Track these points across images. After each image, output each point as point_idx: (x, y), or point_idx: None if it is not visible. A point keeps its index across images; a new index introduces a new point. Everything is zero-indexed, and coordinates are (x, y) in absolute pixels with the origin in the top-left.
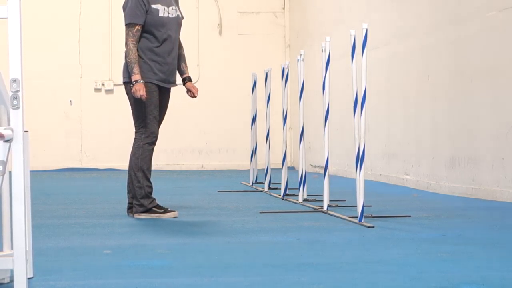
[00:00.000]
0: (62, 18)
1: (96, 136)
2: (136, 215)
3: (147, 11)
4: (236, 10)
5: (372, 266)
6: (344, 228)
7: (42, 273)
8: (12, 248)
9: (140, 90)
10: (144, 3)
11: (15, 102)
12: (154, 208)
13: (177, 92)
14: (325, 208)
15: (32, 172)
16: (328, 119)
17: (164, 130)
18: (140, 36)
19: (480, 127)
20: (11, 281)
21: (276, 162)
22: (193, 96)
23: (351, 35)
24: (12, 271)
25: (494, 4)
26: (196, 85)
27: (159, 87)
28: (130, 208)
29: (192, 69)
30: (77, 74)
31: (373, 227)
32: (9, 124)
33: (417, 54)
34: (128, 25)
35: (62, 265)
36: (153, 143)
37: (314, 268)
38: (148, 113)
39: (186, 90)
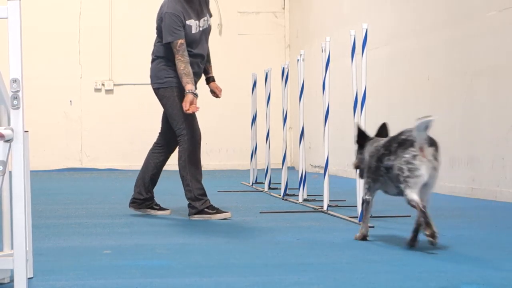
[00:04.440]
0: (62, 18)
1: (96, 136)
2: (190, 217)
3: (184, 26)
4: (236, 10)
5: (372, 266)
6: (344, 228)
7: (42, 273)
8: (12, 248)
9: (187, 102)
10: (180, 19)
11: (15, 102)
12: (206, 209)
13: None
14: (325, 208)
15: (32, 172)
16: (328, 119)
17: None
18: (172, 53)
19: (480, 127)
20: (11, 281)
21: (276, 162)
22: (217, 96)
23: (351, 35)
24: (12, 271)
25: (494, 4)
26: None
27: None
28: (133, 203)
29: None
30: (77, 74)
31: (373, 227)
32: (9, 124)
33: (417, 54)
34: (172, 43)
35: (62, 265)
36: (198, 142)
37: (314, 268)
38: (186, 115)
39: (209, 90)
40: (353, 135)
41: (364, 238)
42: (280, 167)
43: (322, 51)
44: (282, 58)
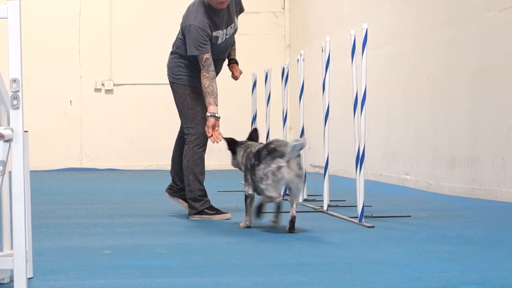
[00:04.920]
0: (62, 18)
1: (96, 136)
2: (190, 217)
3: (210, 39)
4: None
5: (372, 266)
6: (344, 228)
7: (42, 273)
8: (12, 248)
9: (209, 128)
10: (207, 33)
11: (15, 102)
12: (206, 210)
13: None
14: (325, 208)
15: (32, 172)
16: (328, 119)
17: (164, 130)
18: (193, 62)
19: (480, 127)
20: (11, 281)
21: None
22: (235, 78)
23: (351, 35)
24: (12, 271)
25: (494, 4)
26: None
27: None
28: (170, 189)
29: None
30: (77, 74)
31: (373, 227)
32: (9, 124)
33: (417, 54)
34: (198, 57)
35: (62, 265)
36: (204, 144)
37: (314, 268)
38: (195, 114)
39: (230, 71)
40: (353, 135)
41: (248, 227)
42: None
43: (322, 51)
44: (282, 58)
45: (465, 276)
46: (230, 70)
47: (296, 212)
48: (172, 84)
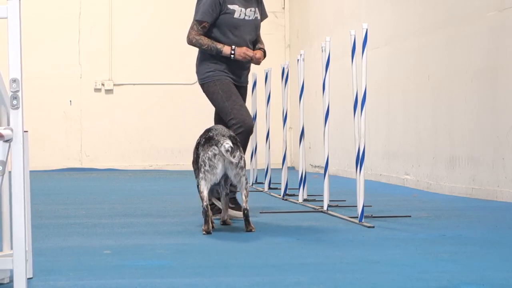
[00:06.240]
0: (62, 18)
1: (96, 136)
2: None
3: (221, 11)
4: None
5: (372, 266)
6: (344, 228)
7: (42, 273)
8: (12, 248)
9: (241, 53)
10: (220, 2)
11: (14, 102)
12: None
13: (177, 93)
14: (325, 208)
15: (32, 172)
16: (328, 119)
17: (164, 130)
18: (211, 36)
19: (480, 127)
20: (11, 281)
21: (276, 162)
22: (257, 63)
23: (351, 35)
24: (12, 271)
25: (494, 4)
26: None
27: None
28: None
29: (191, 69)
30: (77, 74)
31: (373, 227)
32: (9, 124)
33: (417, 54)
34: (196, 21)
35: (62, 265)
36: (246, 131)
37: (314, 268)
38: (232, 104)
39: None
40: (353, 135)
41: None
42: (280, 167)
43: (322, 51)
44: (282, 58)
45: (465, 276)
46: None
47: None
48: (203, 87)
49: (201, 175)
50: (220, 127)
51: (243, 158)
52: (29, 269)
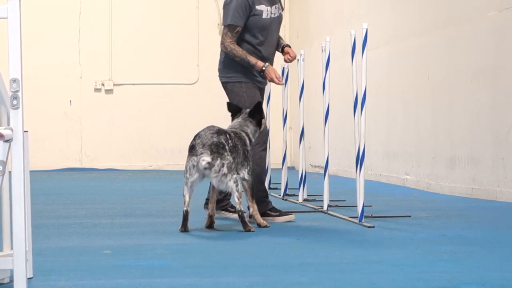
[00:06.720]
0: (62, 18)
1: (96, 136)
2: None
3: (250, 13)
4: None
5: (372, 266)
6: (344, 228)
7: (42, 273)
8: (12, 248)
9: (270, 73)
10: (249, 4)
11: (15, 102)
12: (268, 211)
13: (177, 93)
14: (325, 208)
15: (32, 172)
16: (328, 119)
17: (164, 130)
18: (241, 38)
19: (480, 127)
20: (11, 281)
21: (276, 162)
22: (289, 60)
23: (351, 35)
24: (12, 271)
25: (494, 4)
26: (196, 85)
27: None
28: (206, 204)
29: (191, 69)
30: (77, 74)
31: (373, 227)
32: (9, 124)
33: (417, 54)
34: (228, 26)
35: (62, 265)
36: (264, 143)
37: (314, 268)
38: None
39: (283, 54)
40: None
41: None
42: (280, 167)
43: (322, 51)
44: (282, 58)
45: (465, 276)
46: (285, 52)
47: (245, 209)
48: (226, 85)
49: (184, 180)
50: (205, 134)
51: (225, 165)
52: (29, 269)
